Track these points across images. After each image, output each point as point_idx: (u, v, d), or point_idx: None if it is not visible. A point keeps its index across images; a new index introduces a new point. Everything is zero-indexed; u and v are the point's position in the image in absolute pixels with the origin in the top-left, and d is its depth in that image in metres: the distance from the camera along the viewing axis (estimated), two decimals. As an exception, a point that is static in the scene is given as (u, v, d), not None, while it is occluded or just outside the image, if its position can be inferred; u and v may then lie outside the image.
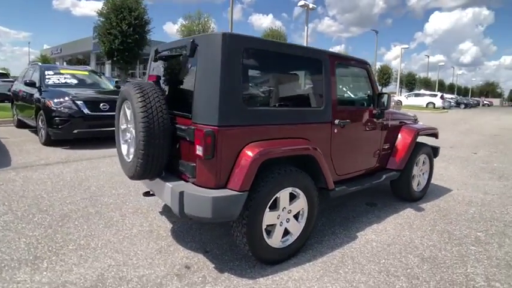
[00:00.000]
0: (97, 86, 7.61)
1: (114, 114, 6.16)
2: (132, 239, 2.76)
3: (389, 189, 4.06)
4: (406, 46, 38.12)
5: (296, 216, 2.54)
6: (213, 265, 2.42)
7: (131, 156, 2.40)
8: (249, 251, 2.31)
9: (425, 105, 29.89)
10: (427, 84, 56.17)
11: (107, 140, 6.77)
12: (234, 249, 2.65)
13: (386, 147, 3.60)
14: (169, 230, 2.97)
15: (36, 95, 6.59)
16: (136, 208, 3.44)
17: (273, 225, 2.40)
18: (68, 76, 7.30)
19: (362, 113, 3.22)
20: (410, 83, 55.11)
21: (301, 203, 2.52)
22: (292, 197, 2.47)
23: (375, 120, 3.33)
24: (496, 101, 74.81)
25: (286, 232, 2.50)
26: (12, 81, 11.60)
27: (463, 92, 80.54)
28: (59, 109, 5.97)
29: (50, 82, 6.86)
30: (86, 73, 7.98)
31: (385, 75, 45.67)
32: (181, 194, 2.09)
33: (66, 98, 6.08)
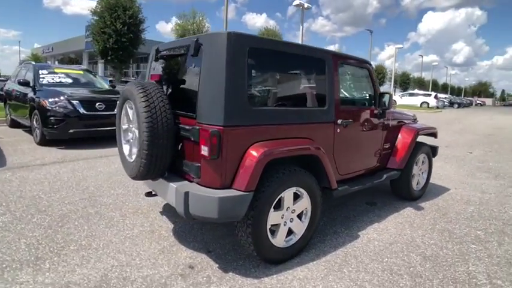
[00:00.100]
0: (92, 85, 7.53)
1: (109, 114, 6.29)
2: (134, 239, 2.74)
3: (388, 189, 4.08)
4: (401, 46, 38.41)
5: (299, 216, 2.54)
6: (217, 265, 2.41)
7: (134, 157, 2.37)
8: (254, 251, 2.30)
9: (419, 105, 30.18)
10: (421, 84, 56.67)
11: (103, 139, 6.73)
12: (237, 249, 2.64)
13: (387, 146, 3.62)
14: (170, 230, 2.96)
15: (31, 94, 6.50)
16: (137, 208, 3.41)
17: (277, 225, 2.39)
18: (63, 75, 7.21)
19: (364, 112, 3.23)
20: (404, 82, 55.53)
21: (305, 203, 2.52)
22: (296, 197, 2.47)
23: (376, 120, 3.35)
24: (488, 101, 75.77)
25: (289, 232, 2.50)
26: (4, 81, 11.43)
27: (456, 91, 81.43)
28: (54, 109, 5.90)
29: (44, 81, 6.76)
30: (81, 72, 7.90)
31: (380, 75, 45.96)
32: (187, 194, 2.08)
33: (62, 98, 6.01)
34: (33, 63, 7.61)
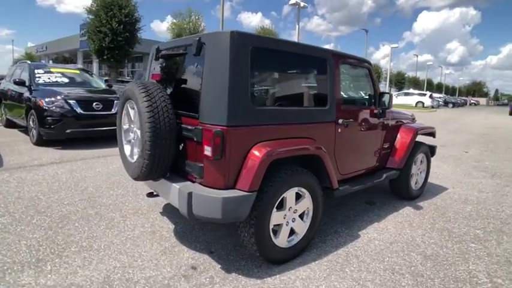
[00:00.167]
0: (88, 84, 7.47)
1: (107, 114, 6.25)
2: (135, 240, 2.73)
3: (387, 188, 4.11)
4: (396, 45, 38.51)
5: (301, 216, 2.55)
6: (220, 265, 2.41)
7: (135, 157, 2.36)
8: (257, 251, 2.30)
9: (414, 104, 30.37)
10: (416, 83, 57.08)
11: (100, 139, 6.70)
12: (239, 249, 2.64)
13: (386, 146, 3.64)
14: (171, 230, 2.95)
15: (27, 94, 6.44)
16: (137, 209, 3.40)
17: (279, 225, 2.40)
18: (59, 75, 7.15)
19: (364, 112, 3.25)
20: (399, 82, 55.90)
21: (307, 203, 2.53)
22: (298, 197, 2.48)
23: (376, 119, 3.37)
24: (482, 100, 76.57)
25: (291, 232, 2.50)
26: (-1, 80, 11.28)
27: (450, 91, 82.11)
28: (51, 108, 5.85)
29: (41, 81, 6.70)
30: (77, 72, 7.83)
31: (375, 74, 46.10)
32: (190, 195, 2.07)
33: (59, 97, 5.96)
34: (29, 62, 7.54)
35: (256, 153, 2.13)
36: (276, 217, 2.32)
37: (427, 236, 3.03)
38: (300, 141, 2.48)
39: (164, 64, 2.69)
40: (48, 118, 5.78)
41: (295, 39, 21.38)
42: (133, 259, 2.44)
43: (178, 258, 2.49)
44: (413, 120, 4.30)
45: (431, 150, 4.26)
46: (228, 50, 2.05)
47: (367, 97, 3.46)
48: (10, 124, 7.88)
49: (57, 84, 6.78)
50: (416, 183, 4.04)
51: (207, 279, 2.23)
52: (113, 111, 6.41)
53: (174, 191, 2.21)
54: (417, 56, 56.87)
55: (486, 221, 3.45)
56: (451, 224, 3.34)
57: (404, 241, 2.91)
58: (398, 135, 3.77)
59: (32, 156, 5.34)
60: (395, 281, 2.29)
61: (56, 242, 2.64)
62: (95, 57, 19.43)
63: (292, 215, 2.45)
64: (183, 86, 2.56)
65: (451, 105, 40.33)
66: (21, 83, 6.65)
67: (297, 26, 21.47)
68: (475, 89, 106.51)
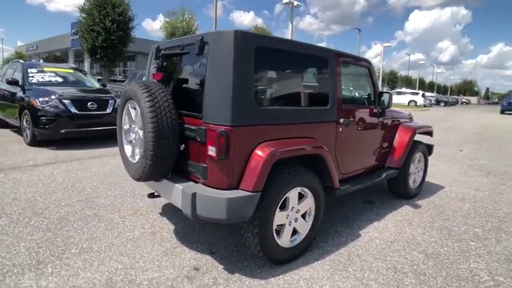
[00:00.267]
0: (82, 84, 7.37)
1: (101, 114, 6.18)
2: (135, 241, 2.70)
3: (385, 187, 4.13)
4: (389, 44, 38.81)
5: (303, 216, 2.55)
6: (222, 266, 2.39)
7: (137, 157, 2.34)
8: (260, 252, 2.29)
9: (407, 103, 30.60)
10: (408, 82, 57.60)
11: (94, 139, 6.63)
12: (241, 250, 2.63)
13: (385, 145, 3.66)
14: (172, 231, 2.92)
15: (20, 93, 6.33)
16: (135, 209, 3.36)
17: (282, 225, 2.39)
18: (52, 74, 7.03)
19: (364, 111, 3.26)
20: (392, 81, 56.34)
21: (309, 203, 2.53)
22: (301, 197, 2.48)
23: (376, 119, 3.38)
24: (473, 99, 77.70)
25: (294, 232, 2.50)
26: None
27: (442, 90, 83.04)
28: (45, 108, 5.76)
29: (34, 80, 6.59)
30: (71, 71, 7.72)
31: (368, 73, 46.33)
32: (194, 195, 2.05)
33: (53, 97, 5.87)
34: (22, 61, 7.41)
35: (260, 153, 2.12)
36: (279, 217, 2.32)
37: (427, 234, 3.06)
38: (302, 141, 2.48)
39: (165, 64, 2.66)
40: (42, 118, 5.69)
41: (288, 37, 21.39)
42: (134, 260, 2.41)
43: (180, 259, 2.47)
44: (410, 119, 4.33)
45: (428, 149, 4.29)
46: (232, 49, 2.03)
47: (366, 96, 3.47)
48: (2, 124, 7.72)
49: (50, 83, 6.68)
50: (414, 182, 4.07)
51: (211, 280, 2.22)
52: (108, 111, 6.35)
53: (177, 192, 2.19)
54: (409, 55, 57.27)
55: (484, 219, 3.49)
56: (450, 222, 3.37)
57: (405, 240, 2.93)
58: (397, 135, 3.79)
59: (26, 157, 5.26)
60: (399, 280, 2.30)
61: (56, 243, 2.60)
62: (87, 56, 19.20)
63: (294, 215, 2.45)
64: (184, 85, 2.54)
65: (443, 104, 40.79)
66: (14, 82, 6.52)
67: (291, 25, 21.53)
68: (466, 88, 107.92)
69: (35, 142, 5.98)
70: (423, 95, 32.00)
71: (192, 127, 2.20)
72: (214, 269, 2.35)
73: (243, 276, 2.27)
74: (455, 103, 50.08)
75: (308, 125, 2.57)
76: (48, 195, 3.64)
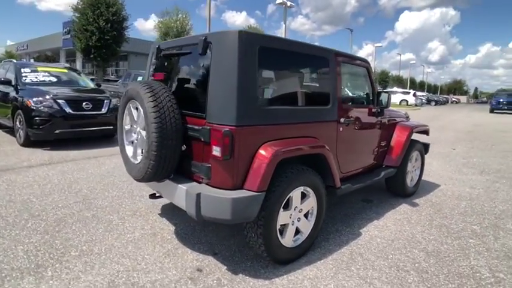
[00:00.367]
0: (76, 84, 7.27)
1: (96, 114, 6.11)
2: (136, 243, 2.67)
3: (382, 186, 4.17)
4: (380, 45, 39.22)
5: (306, 215, 2.55)
6: (225, 267, 2.38)
7: (139, 158, 2.31)
8: (264, 252, 2.28)
9: (398, 103, 30.90)
10: (400, 82, 58.17)
11: (89, 140, 6.56)
12: (243, 250, 2.62)
13: (383, 144, 3.68)
14: (173, 232, 2.90)
15: (13, 93, 6.22)
16: (134, 210, 3.33)
17: (285, 225, 2.39)
18: (46, 74, 6.93)
19: (364, 111, 3.28)
20: (383, 81, 56.77)
21: (312, 202, 2.53)
22: (303, 196, 2.48)
23: (374, 118, 3.40)
24: (463, 99, 78.85)
25: (297, 231, 2.50)
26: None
27: (432, 89, 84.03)
28: (40, 108, 5.67)
29: (27, 80, 6.48)
30: (65, 70, 7.60)
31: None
32: (198, 196, 2.03)
33: (47, 97, 5.78)
34: (14, 61, 7.28)
35: (265, 153, 2.12)
36: (282, 217, 2.31)
37: (426, 232, 3.08)
38: (304, 140, 2.48)
39: (166, 64, 2.63)
40: (37, 118, 5.60)
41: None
42: (136, 262, 2.38)
43: (183, 260, 2.45)
44: (407, 118, 4.36)
45: (425, 148, 4.34)
46: (237, 49, 2.02)
47: (365, 96, 3.49)
48: (-6, 124, 7.59)
49: (44, 83, 6.57)
50: (411, 180, 4.11)
51: (214, 281, 2.20)
52: (103, 111, 6.28)
53: (181, 192, 2.17)
54: (400, 55, 57.84)
55: (481, 216, 3.54)
56: (448, 220, 3.41)
57: (405, 238, 2.95)
58: (395, 134, 3.82)
59: (20, 158, 5.16)
60: (402, 278, 2.32)
61: (54, 246, 2.55)
62: (79, 56, 18.99)
63: (297, 214, 2.45)
64: (187, 85, 2.52)
65: (433, 103, 41.30)
66: (6, 82, 6.41)
67: (284, 26, 21.56)
68: (456, 87, 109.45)
69: (28, 143, 5.89)
70: (414, 95, 32.33)
71: (196, 127, 2.18)
72: (217, 270, 2.33)
73: (247, 277, 2.26)
74: (445, 102, 50.77)
75: (310, 125, 2.57)
76: (44, 196, 3.58)
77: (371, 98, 3.42)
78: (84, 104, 6.06)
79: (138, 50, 30.25)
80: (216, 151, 2.03)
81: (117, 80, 15.43)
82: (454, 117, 20.16)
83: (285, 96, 2.57)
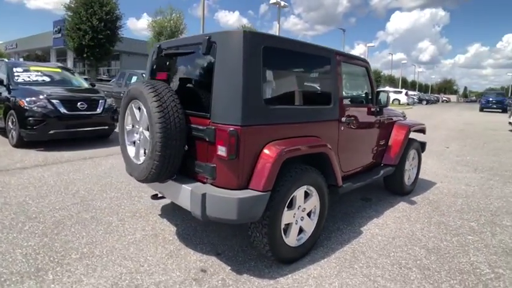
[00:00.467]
0: (70, 83, 7.15)
1: (91, 114, 6.02)
2: (138, 245, 2.64)
3: (379, 184, 4.20)
4: (372, 44, 39.66)
5: (309, 214, 2.55)
6: (229, 267, 2.37)
7: (142, 158, 2.29)
8: (269, 251, 2.28)
9: (391, 102, 31.17)
10: (392, 81, 58.74)
11: (83, 140, 6.48)
12: (246, 250, 2.61)
13: (382, 143, 3.71)
14: (174, 233, 2.88)
15: (5, 93, 6.10)
16: (134, 211, 3.29)
17: (289, 224, 2.39)
18: (39, 73, 6.80)
19: (363, 110, 3.30)
20: (376, 80, 57.18)
21: (314, 201, 2.54)
22: (306, 195, 2.48)
23: (374, 117, 3.43)
24: (453, 98, 79.97)
25: (300, 230, 2.50)
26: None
27: (424, 88, 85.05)
28: (33, 108, 5.57)
29: (20, 80, 6.36)
30: (58, 70, 7.48)
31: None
32: (204, 196, 2.02)
33: (41, 97, 5.68)
34: (6, 60, 7.14)
35: (269, 152, 2.11)
36: (286, 216, 2.31)
37: (425, 230, 3.12)
38: (307, 139, 2.49)
39: (168, 63, 2.61)
40: (30, 119, 5.50)
41: (276, 37, 21.38)
42: (139, 264, 2.36)
43: (186, 261, 2.43)
44: (404, 117, 4.41)
45: (421, 146, 4.38)
46: (242, 49, 2.01)
47: (365, 95, 3.51)
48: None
49: (37, 83, 6.46)
50: (409, 178, 4.15)
51: (219, 281, 2.19)
52: (98, 111, 6.21)
53: (185, 193, 2.15)
54: (392, 54, 58.65)
55: (478, 213, 3.60)
56: (446, 217, 3.45)
57: (405, 236, 2.98)
58: (393, 133, 3.85)
59: (13, 159, 5.07)
60: (404, 275, 2.34)
61: (54, 249, 2.51)
62: (70, 55, 18.74)
63: (301, 213, 2.45)
64: (189, 85, 2.50)
65: (425, 102, 41.77)
66: (-2, 81, 6.28)
67: (278, 25, 21.56)
68: (446, 87, 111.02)
69: (21, 143, 5.78)
70: (406, 94, 32.71)
71: (200, 127, 2.17)
72: (221, 271, 2.32)
73: (252, 277, 2.25)
74: (436, 101, 51.37)
75: (313, 124, 2.58)
76: (40, 198, 3.52)
77: (370, 97, 3.44)
78: (79, 104, 5.98)
79: (131, 49, 29.99)
80: (222, 151, 2.02)
81: (110, 80, 15.25)
82: (445, 116, 20.44)
83: (289, 96, 2.57)
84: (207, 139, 2.11)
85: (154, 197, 2.82)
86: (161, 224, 3.03)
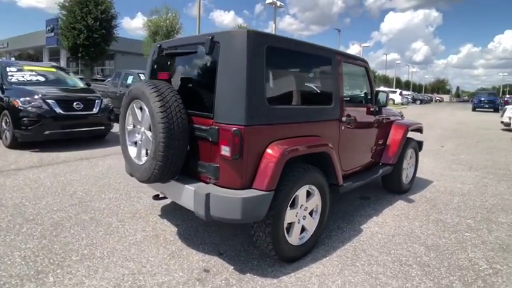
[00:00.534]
0: (64, 83, 7.08)
1: (87, 114, 5.98)
2: (139, 245, 2.63)
3: (377, 183, 4.23)
4: (367, 45, 39.79)
5: (311, 213, 2.57)
6: (232, 267, 2.37)
7: (144, 159, 2.28)
8: (272, 250, 2.29)
9: (385, 102, 31.37)
10: (386, 81, 59.19)
11: (79, 140, 6.42)
12: (248, 249, 2.62)
13: (380, 142, 3.74)
14: (175, 233, 2.87)
15: (-2, 93, 6.02)
16: (133, 212, 3.28)
17: (291, 223, 2.40)
18: (33, 73, 6.72)
19: (363, 110, 3.33)
20: (370, 80, 57.51)
21: (316, 200, 2.55)
22: (308, 195, 2.49)
23: (373, 117, 3.46)
24: (446, 97, 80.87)
25: (302, 229, 2.52)
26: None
27: (417, 88, 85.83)
28: (28, 109, 5.50)
29: (13, 79, 6.27)
30: (52, 70, 7.39)
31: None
32: (208, 196, 2.02)
33: (36, 97, 5.61)
34: (-1, 60, 7.05)
35: (273, 152, 2.12)
36: (289, 215, 2.32)
37: (424, 227, 3.15)
38: (309, 139, 2.50)
39: (169, 63, 2.59)
40: (24, 119, 5.43)
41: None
42: (141, 265, 2.35)
43: (188, 261, 2.42)
44: (402, 117, 4.45)
45: (418, 145, 4.43)
46: (245, 49, 2.02)
47: (364, 95, 3.54)
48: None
49: (31, 82, 6.38)
50: (406, 177, 4.19)
51: (223, 281, 2.19)
52: (94, 111, 6.15)
53: (188, 193, 2.15)
54: (386, 55, 58.94)
55: (474, 211, 3.65)
56: (443, 215, 3.50)
57: (404, 233, 3.01)
58: (391, 132, 3.89)
59: (7, 160, 5.00)
60: (405, 272, 2.37)
61: (54, 251, 2.48)
62: (63, 55, 18.52)
63: (303, 212, 2.47)
64: (192, 85, 2.50)
65: (419, 102, 42.16)
66: (-10, 82, 6.19)
67: (274, 25, 21.56)
68: (439, 87, 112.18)
69: (15, 144, 5.70)
70: (401, 94, 32.96)
71: (203, 127, 2.16)
72: (224, 270, 2.32)
73: (255, 276, 2.26)
74: (430, 101, 51.88)
75: (314, 124, 2.59)
76: (37, 200, 3.48)
77: (369, 97, 3.47)
78: (75, 104, 5.92)
79: (125, 49, 29.76)
80: (225, 151, 2.02)
81: (104, 80, 15.12)
82: (438, 115, 20.65)
83: (291, 96, 2.58)
84: (210, 139, 2.11)
85: (156, 197, 2.81)
86: (162, 225, 3.02)
